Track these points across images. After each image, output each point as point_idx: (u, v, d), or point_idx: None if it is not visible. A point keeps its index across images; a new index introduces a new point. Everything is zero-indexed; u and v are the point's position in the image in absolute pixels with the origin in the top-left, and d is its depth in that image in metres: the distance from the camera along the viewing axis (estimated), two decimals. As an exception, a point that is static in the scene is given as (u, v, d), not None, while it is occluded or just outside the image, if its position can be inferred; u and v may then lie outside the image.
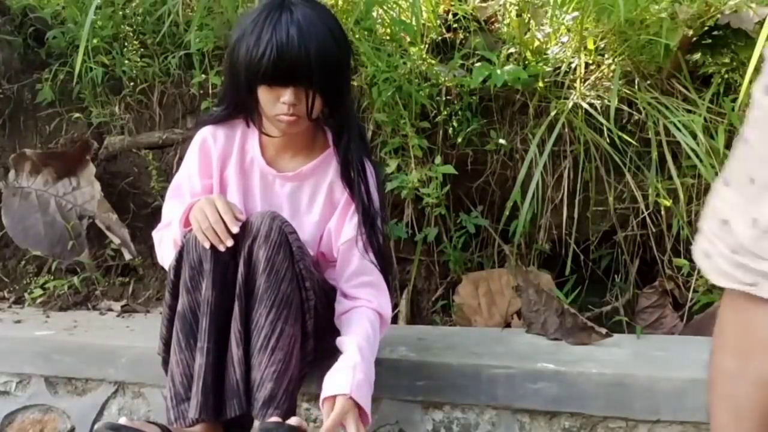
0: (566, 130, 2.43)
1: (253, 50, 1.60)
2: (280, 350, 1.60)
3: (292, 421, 1.54)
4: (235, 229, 1.61)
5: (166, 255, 1.77)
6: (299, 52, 1.58)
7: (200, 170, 1.81)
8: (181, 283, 1.66)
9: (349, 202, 1.79)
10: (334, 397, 1.57)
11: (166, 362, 1.69)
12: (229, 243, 1.61)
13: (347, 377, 1.58)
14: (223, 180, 1.82)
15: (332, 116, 1.76)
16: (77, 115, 2.75)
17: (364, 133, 1.93)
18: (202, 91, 2.66)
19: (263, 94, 1.65)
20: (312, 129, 1.78)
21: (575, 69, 2.49)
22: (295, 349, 1.63)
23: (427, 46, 2.69)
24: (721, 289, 1.21)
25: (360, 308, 1.73)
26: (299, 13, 1.60)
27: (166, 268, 1.73)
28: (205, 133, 1.82)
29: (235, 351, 1.61)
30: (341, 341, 1.67)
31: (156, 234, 1.84)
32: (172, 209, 1.81)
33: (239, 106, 1.77)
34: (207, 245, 1.62)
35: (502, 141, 2.48)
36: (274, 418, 1.56)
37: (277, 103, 1.65)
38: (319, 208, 1.81)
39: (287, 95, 1.63)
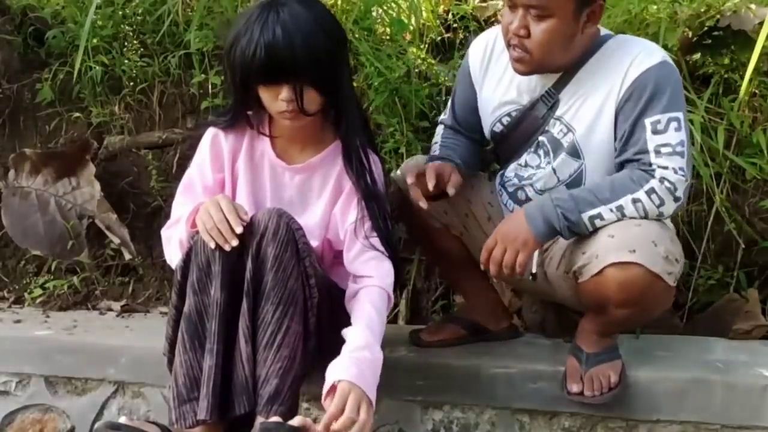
0: (566, 130, 2.42)
1: (246, 51, 1.65)
2: (286, 347, 1.62)
3: (294, 421, 1.55)
4: (239, 229, 1.62)
5: (173, 255, 1.78)
6: (285, 50, 1.63)
7: (212, 164, 1.84)
8: (188, 285, 1.67)
9: (355, 189, 1.81)
10: (333, 388, 1.57)
11: (171, 363, 1.70)
12: (234, 243, 1.62)
13: (342, 364, 1.59)
14: (234, 173, 1.85)
15: (332, 107, 1.79)
16: (77, 114, 2.74)
17: (368, 123, 1.97)
18: (202, 91, 2.66)
19: (263, 93, 1.71)
20: (319, 121, 1.82)
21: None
22: (299, 346, 1.65)
23: (426, 45, 2.69)
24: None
25: (364, 289, 1.74)
26: (287, 12, 1.65)
27: (173, 267, 1.74)
28: (216, 129, 1.85)
29: (244, 348, 1.62)
30: (345, 332, 1.67)
31: (165, 232, 1.84)
32: (181, 205, 1.82)
33: (243, 108, 1.80)
34: (212, 245, 1.64)
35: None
36: (276, 418, 1.57)
37: (276, 101, 1.69)
38: (327, 197, 1.84)
39: (284, 92, 1.67)
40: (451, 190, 1.82)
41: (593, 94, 1.79)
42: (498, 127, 1.94)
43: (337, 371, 1.58)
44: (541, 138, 1.87)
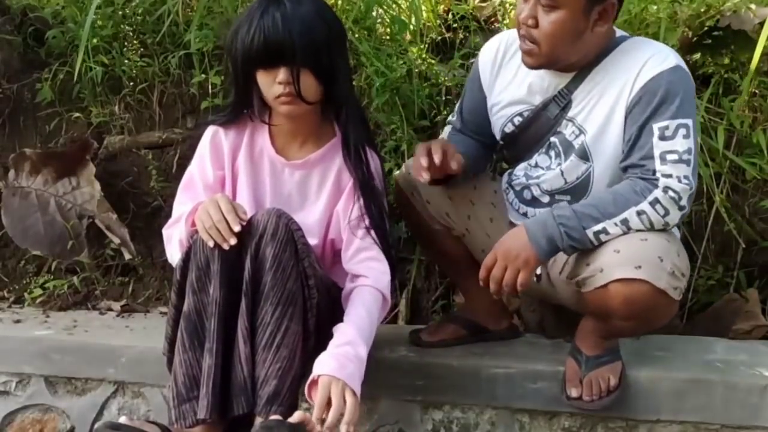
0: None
1: (245, 38, 1.70)
2: (285, 347, 1.62)
3: (294, 418, 1.56)
4: (237, 228, 1.63)
5: (174, 253, 1.79)
6: (283, 32, 1.67)
7: (212, 161, 1.85)
8: (187, 284, 1.68)
9: (352, 180, 1.83)
10: (315, 383, 1.60)
11: (171, 362, 1.71)
12: (233, 241, 1.63)
13: (322, 359, 1.62)
14: (235, 170, 1.87)
15: (330, 98, 1.81)
16: (77, 114, 2.74)
17: (366, 119, 1.99)
18: (202, 91, 2.66)
19: (261, 78, 1.74)
20: (319, 118, 1.84)
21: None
22: (299, 347, 1.66)
23: (427, 45, 2.69)
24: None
25: (357, 289, 1.76)
26: (287, 2, 1.69)
27: (174, 265, 1.74)
28: (216, 127, 1.88)
29: (242, 348, 1.63)
30: (334, 330, 1.69)
31: (166, 231, 1.85)
32: (182, 203, 1.83)
33: (244, 102, 1.82)
34: (211, 244, 1.64)
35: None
36: (276, 416, 1.57)
37: (274, 84, 1.72)
38: (326, 195, 1.86)
39: (281, 74, 1.70)
40: (453, 164, 1.78)
41: (605, 95, 1.76)
42: (509, 128, 1.92)
43: (318, 366, 1.61)
44: (552, 139, 1.85)
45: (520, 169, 1.94)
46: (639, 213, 1.66)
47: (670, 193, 1.66)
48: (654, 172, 1.67)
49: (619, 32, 1.84)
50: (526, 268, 1.70)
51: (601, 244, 1.68)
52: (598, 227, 1.67)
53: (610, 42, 1.78)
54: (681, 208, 1.67)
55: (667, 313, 1.75)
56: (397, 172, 2.09)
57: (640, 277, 1.62)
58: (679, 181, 1.66)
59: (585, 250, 1.71)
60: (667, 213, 1.67)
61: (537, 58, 1.75)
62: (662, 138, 1.67)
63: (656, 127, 1.68)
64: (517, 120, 1.90)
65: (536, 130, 1.87)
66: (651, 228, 1.67)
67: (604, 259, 1.67)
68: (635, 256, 1.63)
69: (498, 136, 1.97)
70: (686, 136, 1.67)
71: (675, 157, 1.67)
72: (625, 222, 1.67)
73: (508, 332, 2.12)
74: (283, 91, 1.71)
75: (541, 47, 1.72)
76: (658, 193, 1.66)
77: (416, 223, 1.97)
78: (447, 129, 2.08)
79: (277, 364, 1.62)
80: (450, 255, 2.03)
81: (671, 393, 1.83)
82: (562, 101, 1.82)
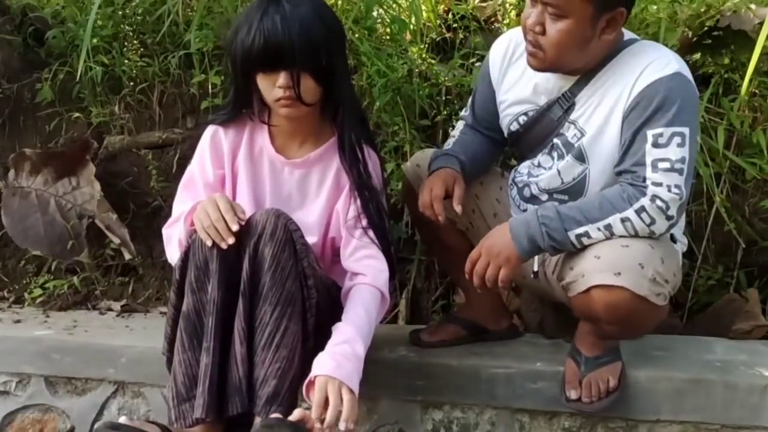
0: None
1: (245, 39, 1.70)
2: (285, 347, 1.62)
3: (294, 416, 1.56)
4: (235, 227, 1.63)
5: (174, 253, 1.79)
6: (283, 36, 1.67)
7: (212, 160, 1.86)
8: (186, 283, 1.68)
9: (348, 179, 1.84)
10: (313, 383, 1.60)
11: (170, 362, 1.71)
12: (230, 241, 1.63)
13: (320, 359, 1.61)
14: (234, 169, 1.87)
15: (330, 101, 1.81)
16: (77, 114, 2.74)
17: (365, 118, 1.99)
18: (202, 91, 2.66)
19: (261, 81, 1.74)
20: (318, 117, 1.84)
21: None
22: (298, 346, 1.66)
23: (427, 45, 2.69)
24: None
25: (356, 287, 1.77)
26: (286, 3, 1.69)
27: (174, 265, 1.75)
28: (216, 126, 1.88)
29: (239, 348, 1.63)
30: (332, 329, 1.69)
31: (165, 231, 1.86)
32: (182, 202, 1.84)
33: (243, 102, 1.83)
34: (209, 243, 1.64)
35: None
36: (276, 415, 1.57)
37: (274, 88, 1.72)
38: (326, 193, 1.86)
39: (281, 79, 1.70)
40: (458, 208, 1.82)
41: (605, 98, 1.76)
42: (514, 126, 1.92)
43: (315, 367, 1.61)
44: (555, 140, 1.85)
45: (524, 167, 1.95)
46: (623, 220, 1.65)
47: (658, 202, 1.64)
48: (644, 179, 1.66)
49: (627, 35, 1.82)
50: (508, 266, 1.71)
51: (585, 248, 1.68)
52: (580, 230, 1.67)
53: (617, 45, 1.77)
54: (669, 217, 1.66)
55: (654, 317, 1.74)
56: (403, 165, 2.11)
57: (620, 284, 1.61)
58: (669, 191, 1.64)
59: (570, 254, 1.71)
60: (653, 222, 1.65)
61: (541, 62, 1.75)
62: (655, 145, 1.66)
63: (650, 133, 1.66)
64: (522, 119, 1.90)
65: (540, 131, 1.87)
66: (635, 235, 1.66)
67: (585, 265, 1.66)
68: (615, 263, 1.62)
69: (505, 133, 1.98)
70: (681, 145, 1.65)
71: (667, 165, 1.65)
72: (608, 227, 1.66)
73: (508, 332, 2.12)
74: (283, 95, 1.71)
75: (547, 54, 1.71)
76: (644, 201, 1.65)
77: (421, 216, 1.98)
78: (459, 125, 2.08)
79: (277, 364, 1.62)
80: (453, 249, 2.03)
81: (671, 393, 1.83)
82: (565, 103, 1.81)
